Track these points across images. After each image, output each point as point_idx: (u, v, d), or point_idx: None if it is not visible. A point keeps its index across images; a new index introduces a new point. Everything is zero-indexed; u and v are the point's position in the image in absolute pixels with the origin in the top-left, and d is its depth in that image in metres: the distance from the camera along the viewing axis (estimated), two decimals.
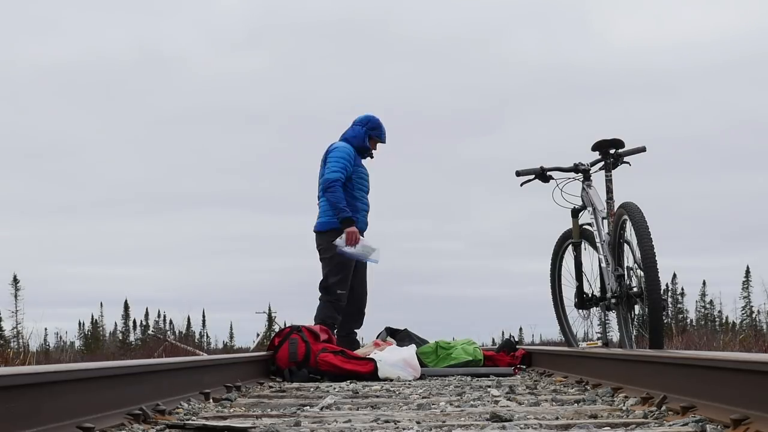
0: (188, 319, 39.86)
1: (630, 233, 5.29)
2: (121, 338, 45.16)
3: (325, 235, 7.37)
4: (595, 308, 6.01)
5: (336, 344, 6.55)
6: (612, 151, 5.77)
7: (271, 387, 5.17)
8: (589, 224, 5.91)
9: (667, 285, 45.91)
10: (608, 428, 2.87)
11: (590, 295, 5.98)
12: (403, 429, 2.91)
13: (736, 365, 2.71)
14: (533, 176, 6.07)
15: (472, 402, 3.91)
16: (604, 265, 5.60)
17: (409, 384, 5.40)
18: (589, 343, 5.98)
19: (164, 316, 49.25)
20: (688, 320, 46.41)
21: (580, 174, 5.96)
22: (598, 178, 5.86)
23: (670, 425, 2.87)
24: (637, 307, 5.45)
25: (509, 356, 6.76)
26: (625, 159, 5.78)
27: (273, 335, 6.83)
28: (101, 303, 49.42)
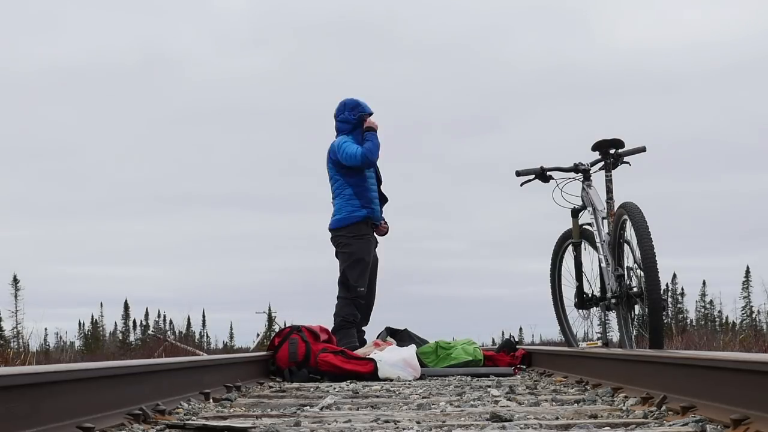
0: (188, 319, 39.87)
1: (630, 233, 5.29)
2: (121, 338, 45.16)
3: (342, 230, 7.36)
4: (595, 308, 6.01)
5: (337, 343, 6.55)
6: (612, 151, 5.77)
7: (271, 387, 5.17)
8: (589, 224, 5.91)
9: (667, 285, 45.93)
10: (608, 428, 2.87)
11: (590, 295, 5.98)
12: (403, 429, 2.91)
13: (736, 365, 2.71)
14: (533, 176, 6.07)
15: (472, 402, 3.91)
16: (604, 265, 5.60)
17: (409, 384, 5.40)
18: (589, 343, 5.98)
19: (164, 316, 49.26)
20: (688, 320, 46.42)
21: (580, 174, 5.96)
22: (598, 178, 5.86)
23: (670, 425, 2.87)
24: (637, 307, 5.45)
25: (509, 356, 6.76)
26: (625, 159, 5.78)
27: (273, 335, 6.83)
28: (101, 303, 49.45)
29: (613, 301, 5.49)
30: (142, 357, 16.70)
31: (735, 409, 2.64)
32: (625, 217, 5.29)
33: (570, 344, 6.47)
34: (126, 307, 50.26)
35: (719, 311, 49.13)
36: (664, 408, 3.21)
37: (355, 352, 6.31)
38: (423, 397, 4.21)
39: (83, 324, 49.30)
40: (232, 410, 3.67)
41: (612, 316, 5.75)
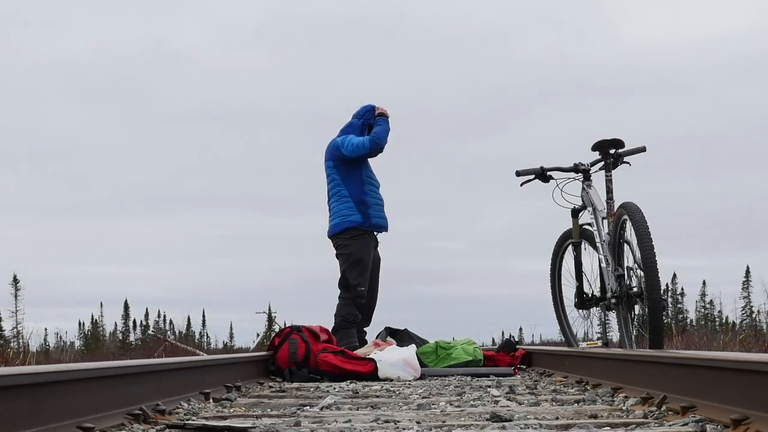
0: (188, 319, 39.89)
1: (630, 233, 5.29)
2: (121, 338, 45.15)
3: (340, 235, 7.35)
4: (595, 308, 6.01)
5: (337, 343, 6.55)
6: (612, 151, 5.78)
7: (271, 387, 5.17)
8: (589, 224, 5.92)
9: (667, 285, 45.91)
10: (608, 428, 2.87)
11: (590, 295, 5.98)
12: (403, 429, 2.91)
13: (736, 365, 2.71)
14: (533, 176, 6.07)
15: (472, 402, 3.91)
16: (604, 265, 5.60)
17: (409, 384, 5.40)
18: (589, 343, 5.98)
19: (164, 316, 49.25)
20: (688, 320, 46.41)
21: (580, 174, 5.97)
22: (598, 178, 5.86)
23: (670, 425, 2.87)
24: (637, 307, 5.46)
25: (509, 356, 6.76)
26: (625, 159, 5.78)
27: (273, 335, 6.83)
28: (101, 303, 49.43)
29: (613, 301, 5.49)
30: (142, 357, 16.70)
31: (735, 409, 2.65)
32: (625, 217, 5.29)
33: (570, 344, 6.47)
34: (126, 307, 50.27)
35: (719, 311, 49.12)
36: (664, 408, 3.21)
37: (355, 352, 6.32)
38: (423, 397, 4.21)
39: (83, 324, 49.32)
40: (232, 410, 3.67)
41: (612, 316, 5.76)
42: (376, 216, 7.39)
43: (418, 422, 3.10)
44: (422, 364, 6.34)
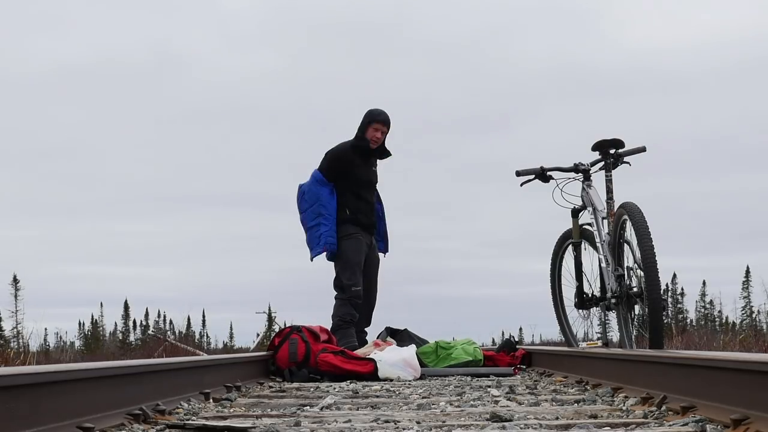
0: (188, 319, 39.86)
1: (630, 233, 5.29)
2: (121, 338, 45.16)
3: (338, 227, 7.38)
4: (595, 308, 6.01)
5: (336, 344, 6.55)
6: (612, 151, 5.77)
7: (271, 387, 5.17)
8: (589, 224, 5.92)
9: (667, 285, 45.89)
10: (608, 428, 2.87)
11: (590, 295, 5.98)
12: (403, 429, 2.91)
13: (736, 365, 2.71)
14: (533, 176, 6.07)
15: (472, 402, 3.91)
16: (604, 265, 5.60)
17: (409, 384, 5.40)
18: (589, 343, 5.98)
19: (164, 316, 49.24)
20: (688, 320, 46.40)
21: (580, 174, 5.97)
22: (598, 178, 5.86)
23: (670, 425, 2.87)
24: (637, 307, 5.46)
25: (509, 356, 6.76)
26: (625, 159, 5.78)
27: (273, 335, 6.83)
28: (101, 303, 49.43)
29: (613, 301, 5.49)
30: (142, 357, 16.70)
31: (735, 409, 2.65)
32: (625, 217, 5.29)
33: (570, 344, 6.47)
34: (126, 307, 50.28)
35: (719, 311, 49.11)
36: (664, 408, 3.21)
37: (355, 352, 6.32)
38: (423, 397, 4.21)
39: (83, 324, 49.32)
40: (232, 410, 3.67)
41: (612, 316, 5.76)
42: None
43: (418, 422, 3.10)
44: (422, 364, 6.34)
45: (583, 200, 6.00)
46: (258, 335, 29.72)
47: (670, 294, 48.52)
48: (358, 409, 3.66)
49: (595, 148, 5.84)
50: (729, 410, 2.67)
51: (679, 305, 50.10)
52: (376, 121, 7.37)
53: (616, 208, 5.53)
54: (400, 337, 7.22)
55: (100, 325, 50.36)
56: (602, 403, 3.74)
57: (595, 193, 5.85)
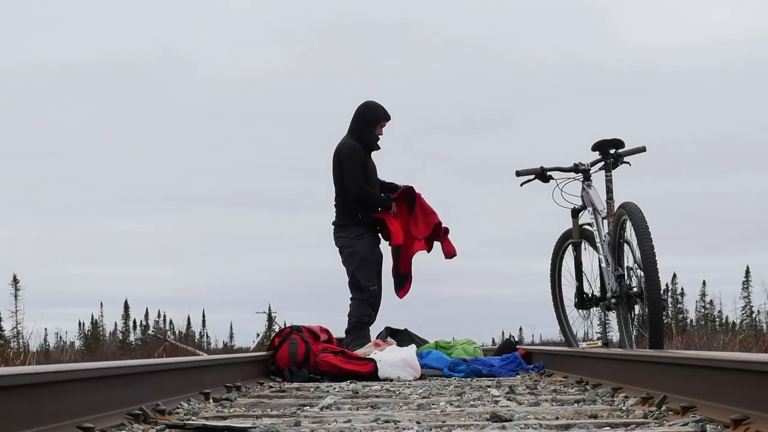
0: (188, 319, 39.77)
1: (630, 233, 5.29)
2: (121, 338, 45.13)
3: (345, 229, 7.33)
4: (595, 308, 6.01)
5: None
6: (612, 151, 5.77)
7: (271, 387, 5.17)
8: (589, 224, 5.91)
9: (667, 285, 45.85)
10: (608, 428, 2.87)
11: (590, 295, 5.98)
12: (403, 429, 2.91)
13: (736, 365, 2.71)
14: (533, 176, 6.07)
15: (472, 402, 3.91)
16: (604, 265, 5.60)
17: (409, 384, 5.40)
18: (589, 343, 5.98)
19: (164, 316, 49.20)
20: (688, 320, 46.37)
21: (580, 174, 5.96)
22: (598, 178, 5.86)
23: (670, 425, 2.88)
24: (637, 307, 5.46)
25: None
26: (625, 159, 5.78)
27: (273, 335, 6.83)
28: (101, 303, 49.37)
29: (613, 301, 5.49)
30: (142, 357, 16.70)
31: (735, 409, 2.65)
32: (625, 217, 5.29)
33: (570, 344, 6.47)
34: (126, 307, 50.24)
35: (719, 311, 49.07)
36: (664, 408, 3.21)
37: (355, 352, 6.32)
38: (423, 397, 4.21)
39: (83, 324, 49.27)
40: (232, 410, 3.67)
41: (612, 316, 5.76)
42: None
43: (418, 422, 3.10)
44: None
45: (583, 200, 5.99)
46: (258, 335, 29.68)
47: (670, 294, 48.49)
48: (358, 409, 3.66)
49: (595, 148, 5.84)
50: (729, 410, 2.67)
51: (679, 305, 50.08)
52: (384, 119, 7.36)
53: (616, 208, 5.53)
54: (400, 337, 7.21)
55: (100, 325, 50.33)
56: (602, 403, 3.74)
57: (595, 193, 5.85)
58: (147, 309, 51.59)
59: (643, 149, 5.85)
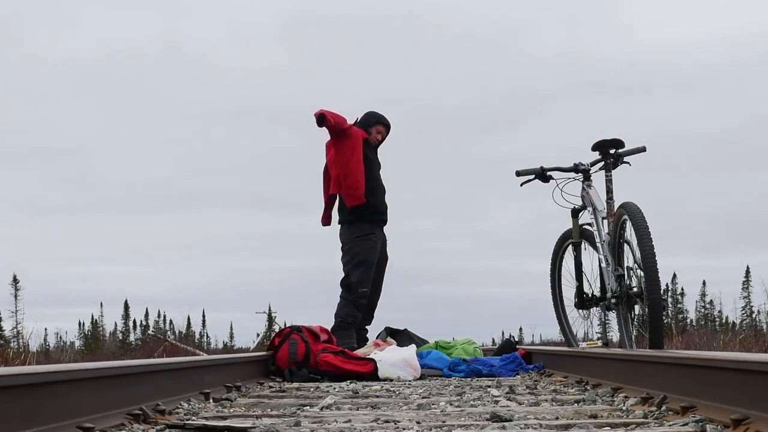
0: (188, 319, 39.83)
1: (630, 233, 5.29)
2: (121, 338, 45.15)
3: (351, 226, 7.33)
4: (595, 308, 6.01)
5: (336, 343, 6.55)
6: (612, 151, 5.78)
7: (271, 387, 5.17)
8: (589, 224, 5.92)
9: (667, 285, 45.85)
10: (608, 428, 2.87)
11: (590, 295, 5.98)
12: (403, 429, 2.91)
13: (736, 365, 2.71)
14: (533, 176, 6.07)
15: (472, 402, 3.91)
16: (604, 265, 5.60)
17: (409, 384, 5.40)
18: (589, 343, 5.98)
19: (164, 316, 49.21)
20: (688, 320, 46.38)
21: (580, 174, 5.97)
22: (598, 178, 5.86)
23: (670, 425, 2.88)
24: (637, 307, 5.46)
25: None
26: (625, 159, 5.78)
27: (273, 335, 6.83)
28: (101, 303, 49.38)
29: (613, 301, 5.49)
30: (142, 357, 16.70)
31: (735, 409, 2.65)
32: (625, 217, 5.29)
33: (570, 344, 6.47)
34: (126, 307, 50.25)
35: (719, 311, 49.09)
36: (664, 408, 3.21)
37: (355, 352, 6.32)
38: (423, 397, 4.21)
39: (83, 324, 49.28)
40: (232, 410, 3.67)
41: (612, 316, 5.76)
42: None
43: (418, 422, 3.10)
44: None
45: (583, 200, 6.00)
46: (258, 335, 29.70)
47: (670, 294, 48.50)
48: (358, 409, 3.66)
49: (595, 148, 5.84)
50: (729, 410, 2.67)
51: (679, 305, 50.09)
52: (381, 123, 7.45)
53: (616, 208, 5.53)
54: (400, 337, 7.22)
55: (100, 325, 50.34)
56: (602, 403, 3.74)
57: (595, 193, 5.86)
58: (147, 309, 51.62)
59: (643, 149, 5.85)
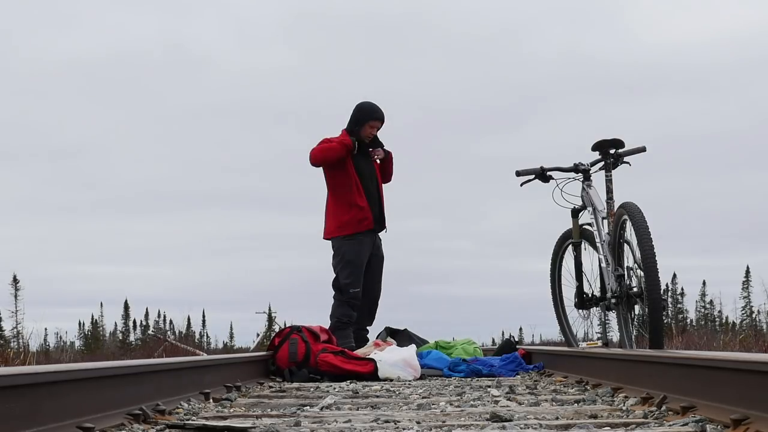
0: (188, 319, 39.84)
1: (630, 233, 5.29)
2: (121, 338, 45.15)
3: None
4: (595, 308, 6.01)
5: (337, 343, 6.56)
6: (612, 151, 5.78)
7: (271, 387, 5.17)
8: (589, 224, 5.92)
9: (667, 285, 45.84)
10: (608, 428, 2.87)
11: (590, 295, 5.98)
12: (403, 429, 2.91)
13: (736, 365, 2.71)
14: (533, 176, 6.07)
15: (472, 402, 3.91)
16: (604, 265, 5.60)
17: (409, 384, 5.40)
18: (589, 343, 5.98)
19: (164, 316, 49.21)
20: (688, 320, 46.38)
21: (580, 174, 5.97)
22: (598, 178, 5.86)
23: (670, 425, 2.88)
24: (637, 307, 5.46)
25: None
26: (625, 159, 5.78)
27: (273, 335, 6.83)
28: (101, 303, 49.38)
29: (613, 301, 5.49)
30: (142, 357, 16.70)
31: (735, 409, 2.65)
32: (625, 217, 5.29)
33: (570, 344, 6.47)
34: (126, 307, 50.24)
35: (719, 311, 49.09)
36: (664, 408, 3.21)
37: (355, 352, 6.32)
38: (423, 397, 4.21)
39: (83, 324, 49.27)
40: (232, 410, 3.67)
41: (612, 316, 5.76)
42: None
43: (418, 422, 3.10)
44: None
45: (583, 200, 6.00)
46: (258, 335, 29.70)
47: (670, 294, 48.49)
48: (358, 409, 3.66)
49: (595, 148, 5.84)
50: (729, 410, 2.67)
51: (679, 305, 50.08)
52: (373, 119, 7.35)
53: (616, 208, 5.53)
54: (400, 337, 7.22)
55: (100, 325, 50.33)
56: (602, 403, 3.74)
57: (595, 193, 5.86)
58: (147, 309, 51.61)
59: (643, 149, 5.85)
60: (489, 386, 4.90)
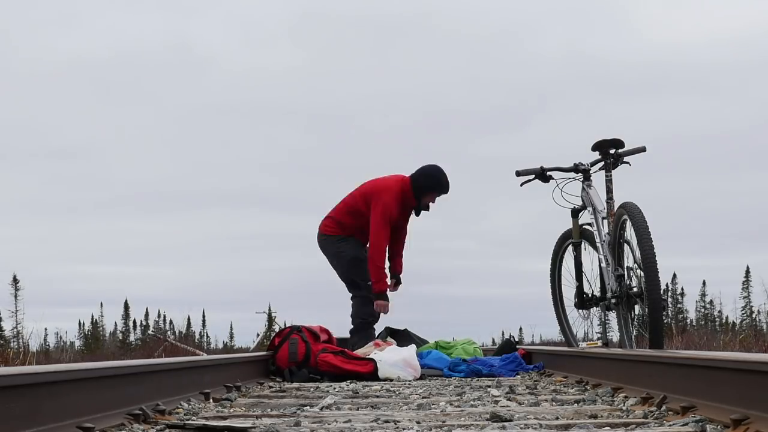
0: (188, 319, 39.81)
1: (630, 233, 5.29)
2: (121, 338, 45.14)
3: (328, 237, 7.35)
4: (595, 308, 6.01)
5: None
6: (612, 151, 5.78)
7: (271, 387, 5.17)
8: (589, 224, 5.92)
9: (667, 285, 45.84)
10: (608, 428, 2.87)
11: (590, 295, 5.98)
12: (403, 429, 2.91)
13: (736, 365, 2.71)
14: (533, 176, 6.07)
15: (472, 402, 3.91)
16: (604, 265, 5.60)
17: (409, 384, 5.40)
18: (589, 343, 5.98)
19: (164, 316, 49.19)
20: (688, 320, 46.37)
21: (580, 174, 5.97)
22: (598, 178, 5.86)
23: (670, 425, 2.88)
24: (637, 307, 5.46)
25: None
26: (625, 159, 5.78)
27: (273, 335, 6.83)
28: (101, 303, 49.36)
29: (613, 301, 5.49)
30: (142, 357, 16.70)
31: (735, 409, 2.65)
32: (625, 217, 5.29)
33: (570, 344, 6.47)
34: (126, 307, 50.22)
35: (719, 311, 49.08)
36: (664, 408, 3.21)
37: (355, 352, 6.32)
38: (423, 397, 4.21)
39: (83, 324, 49.25)
40: (232, 410, 3.67)
41: (612, 316, 5.76)
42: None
43: (418, 422, 3.10)
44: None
45: (583, 200, 6.00)
46: (258, 335, 29.69)
47: (670, 294, 48.48)
48: (358, 409, 3.66)
49: (594, 148, 5.84)
50: (729, 410, 2.67)
51: (679, 305, 50.07)
52: (437, 191, 7.20)
53: (616, 208, 5.53)
54: (400, 337, 7.21)
55: (100, 325, 50.30)
56: (602, 403, 3.74)
57: (595, 193, 5.86)
58: (147, 309, 51.58)
59: (643, 149, 5.85)
60: (489, 386, 4.90)
